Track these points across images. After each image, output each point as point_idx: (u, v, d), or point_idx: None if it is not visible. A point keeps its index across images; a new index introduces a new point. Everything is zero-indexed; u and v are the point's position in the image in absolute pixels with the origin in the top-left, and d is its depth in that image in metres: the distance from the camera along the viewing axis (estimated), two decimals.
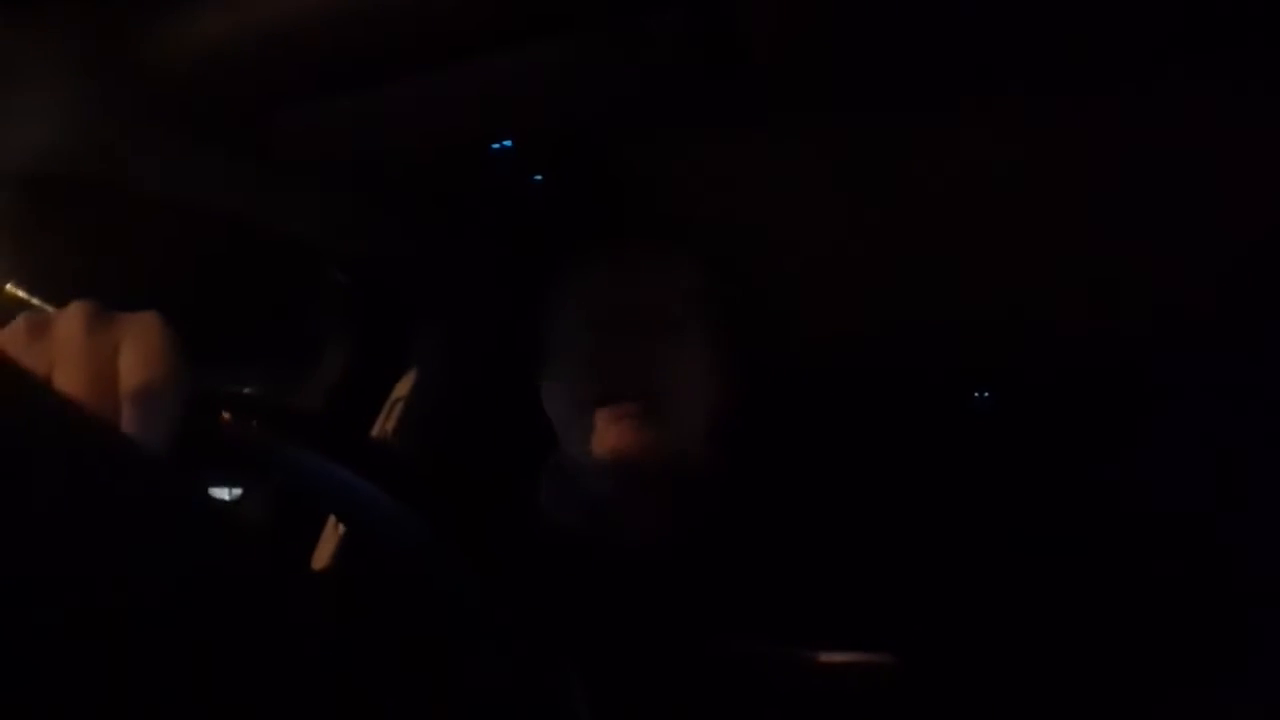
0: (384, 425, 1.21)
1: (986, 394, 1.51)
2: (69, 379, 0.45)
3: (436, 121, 0.90)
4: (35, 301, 0.48)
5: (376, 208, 1.09)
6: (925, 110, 0.91)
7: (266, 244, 1.11)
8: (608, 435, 0.88)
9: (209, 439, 0.55)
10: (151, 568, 0.32)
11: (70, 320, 0.47)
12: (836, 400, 1.41)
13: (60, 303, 0.49)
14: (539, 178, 1.05)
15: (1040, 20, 0.71)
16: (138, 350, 0.46)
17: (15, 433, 0.29)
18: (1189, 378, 1.34)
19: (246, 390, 1.08)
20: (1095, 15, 0.70)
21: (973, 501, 1.36)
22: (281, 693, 0.35)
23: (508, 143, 0.95)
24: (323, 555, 1.06)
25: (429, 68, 0.79)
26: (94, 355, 0.46)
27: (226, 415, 0.56)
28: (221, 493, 1.17)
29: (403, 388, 1.22)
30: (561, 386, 0.95)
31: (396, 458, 1.03)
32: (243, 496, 1.11)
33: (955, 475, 1.40)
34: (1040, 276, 1.19)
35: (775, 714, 0.78)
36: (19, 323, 0.48)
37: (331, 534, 1.06)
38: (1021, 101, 0.88)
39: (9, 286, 0.48)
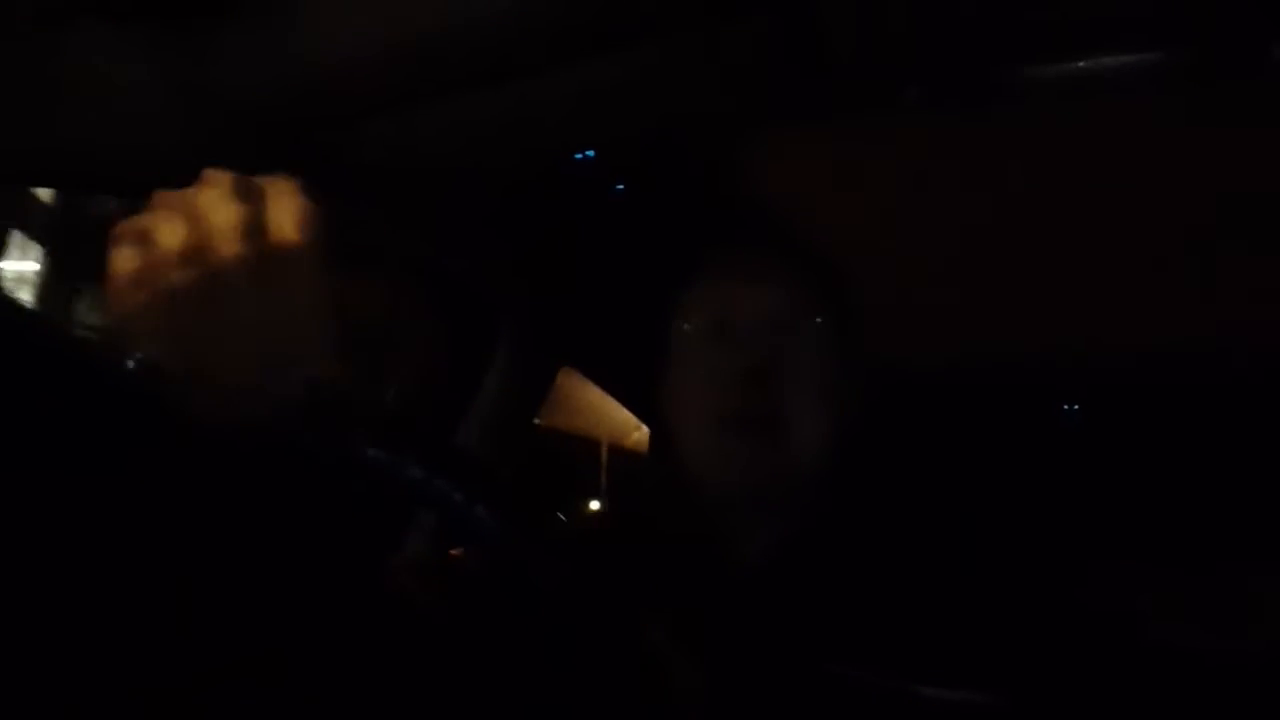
0: (467, 426, 1.24)
1: (1076, 407, 1.47)
2: (225, 246, 0.46)
3: (520, 131, 0.92)
4: None
5: (460, 215, 1.12)
6: (1009, 114, 0.89)
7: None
8: (734, 459, 0.85)
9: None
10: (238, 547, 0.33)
11: (213, 189, 0.48)
12: (938, 417, 1.38)
13: None
14: (621, 187, 1.07)
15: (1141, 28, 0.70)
16: (283, 210, 0.49)
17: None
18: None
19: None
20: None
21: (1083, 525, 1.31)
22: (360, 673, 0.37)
23: (590, 152, 0.96)
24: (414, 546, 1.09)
25: (510, 79, 0.81)
26: (243, 219, 0.47)
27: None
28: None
29: (487, 390, 1.25)
30: (683, 399, 0.91)
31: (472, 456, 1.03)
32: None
33: (1058, 499, 1.36)
34: (1128, 290, 1.15)
35: None
36: (157, 211, 0.48)
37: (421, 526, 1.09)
38: (1119, 107, 0.85)
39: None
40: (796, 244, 0.95)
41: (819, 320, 0.89)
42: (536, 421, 1.27)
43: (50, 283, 5.86)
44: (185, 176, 0.48)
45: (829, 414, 0.88)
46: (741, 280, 0.91)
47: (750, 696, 0.74)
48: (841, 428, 0.89)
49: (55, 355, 0.37)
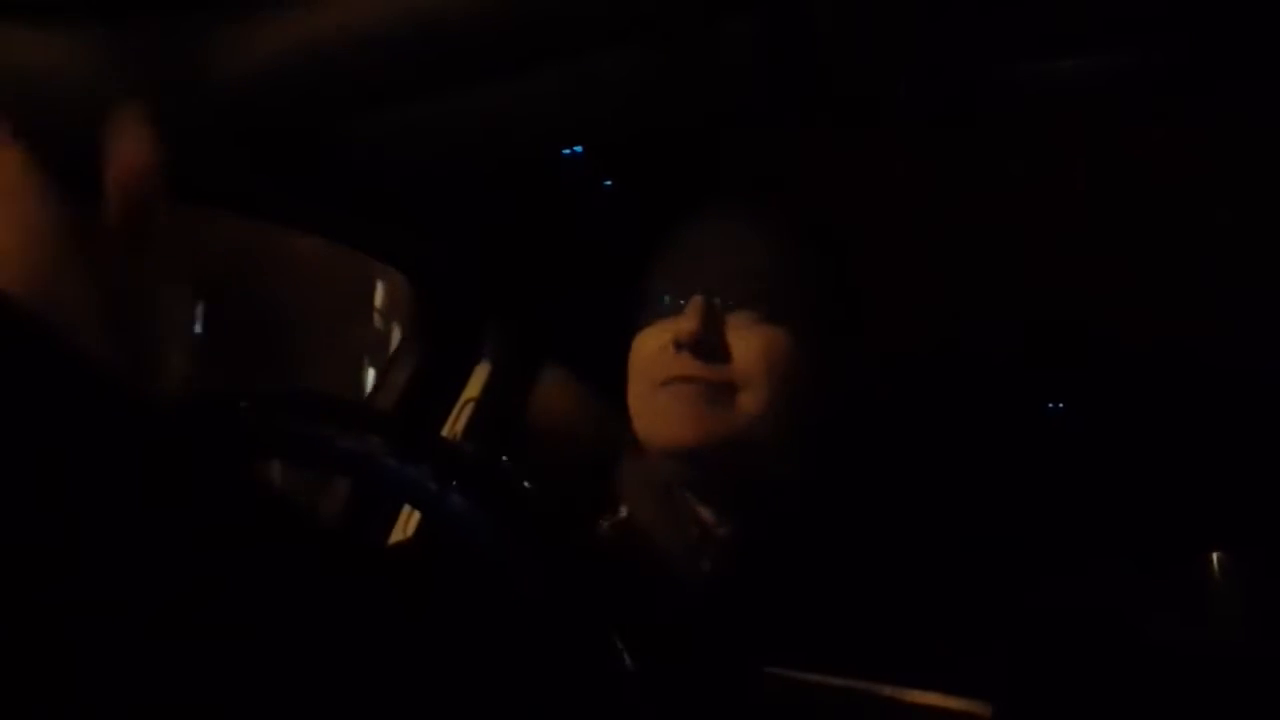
0: (454, 426, 1.23)
1: (1060, 405, 1.48)
2: None
3: (508, 128, 0.92)
4: None
5: (448, 212, 1.11)
6: (1004, 113, 0.90)
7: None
8: (669, 418, 0.82)
9: (230, 429, 0.54)
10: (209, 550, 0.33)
11: None
12: (918, 410, 1.37)
13: None
14: (609, 183, 1.07)
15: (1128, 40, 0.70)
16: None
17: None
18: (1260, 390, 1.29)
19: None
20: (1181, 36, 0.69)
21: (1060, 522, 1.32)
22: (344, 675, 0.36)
23: (579, 149, 0.96)
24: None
25: (500, 76, 0.81)
26: None
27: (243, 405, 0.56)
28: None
29: (473, 389, 1.24)
30: (634, 361, 0.87)
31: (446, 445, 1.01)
32: (321, 488, 1.14)
33: (1041, 497, 1.37)
34: (1114, 287, 1.16)
35: None
36: None
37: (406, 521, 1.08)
38: (1110, 111, 0.86)
39: None
40: (790, 203, 0.91)
41: (804, 286, 0.84)
42: (527, 424, 1.26)
43: None
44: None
45: (794, 395, 0.83)
46: (718, 235, 0.86)
47: (710, 699, 0.71)
48: (810, 413, 0.85)
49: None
